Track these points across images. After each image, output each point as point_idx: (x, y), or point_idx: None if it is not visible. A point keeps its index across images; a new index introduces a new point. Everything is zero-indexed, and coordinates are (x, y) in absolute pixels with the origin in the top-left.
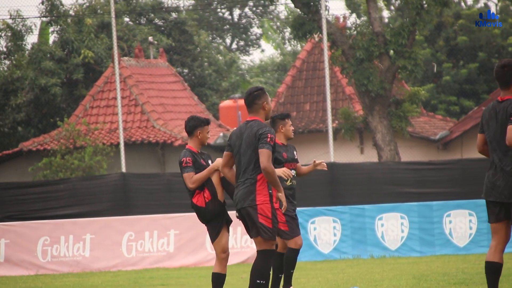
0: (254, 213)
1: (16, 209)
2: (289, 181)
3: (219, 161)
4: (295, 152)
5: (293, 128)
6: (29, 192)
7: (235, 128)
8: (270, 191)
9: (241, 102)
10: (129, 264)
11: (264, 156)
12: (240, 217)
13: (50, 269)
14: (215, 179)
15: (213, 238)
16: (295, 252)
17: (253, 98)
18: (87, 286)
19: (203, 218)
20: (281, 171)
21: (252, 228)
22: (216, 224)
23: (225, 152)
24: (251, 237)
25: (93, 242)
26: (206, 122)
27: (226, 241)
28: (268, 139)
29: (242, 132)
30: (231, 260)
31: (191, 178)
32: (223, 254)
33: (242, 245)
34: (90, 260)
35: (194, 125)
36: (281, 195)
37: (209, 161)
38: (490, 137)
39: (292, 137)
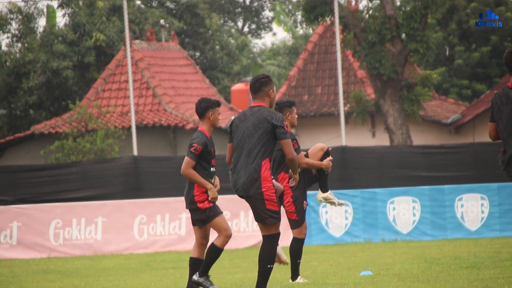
0: (261, 201)
1: (28, 192)
2: (299, 169)
3: (217, 187)
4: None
5: (297, 116)
6: (41, 175)
7: (233, 117)
8: (273, 177)
9: None
10: (141, 247)
11: (288, 146)
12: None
13: (62, 252)
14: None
15: (194, 223)
16: (301, 242)
17: (260, 85)
18: (98, 269)
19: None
20: (325, 163)
21: (259, 215)
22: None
23: (228, 144)
24: (257, 221)
25: (104, 225)
26: (217, 103)
27: (209, 228)
28: (286, 128)
29: (247, 116)
30: (243, 244)
31: (189, 167)
32: (203, 240)
33: (253, 229)
34: (102, 243)
35: (205, 107)
36: (296, 176)
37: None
38: (504, 123)
39: (296, 124)
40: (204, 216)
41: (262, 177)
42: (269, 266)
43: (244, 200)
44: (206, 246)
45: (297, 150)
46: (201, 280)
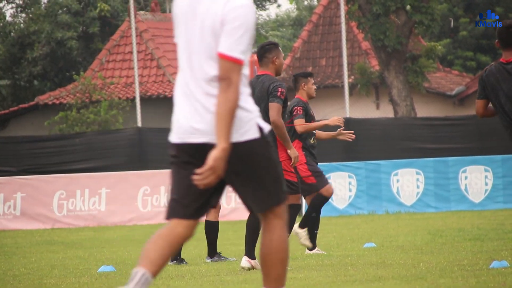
0: None
1: (32, 162)
2: (312, 139)
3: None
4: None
5: (315, 87)
6: (45, 146)
7: None
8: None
9: None
10: (145, 219)
11: (273, 109)
12: None
13: (66, 223)
14: None
15: None
16: (325, 199)
17: (264, 52)
18: (102, 240)
19: None
20: (335, 119)
21: None
22: None
23: None
24: None
25: (108, 196)
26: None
27: None
28: (279, 93)
29: (253, 87)
30: (247, 215)
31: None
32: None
33: None
34: (106, 214)
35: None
36: (290, 151)
37: None
38: (506, 96)
39: (314, 96)
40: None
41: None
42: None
43: None
44: (219, 210)
45: (297, 116)
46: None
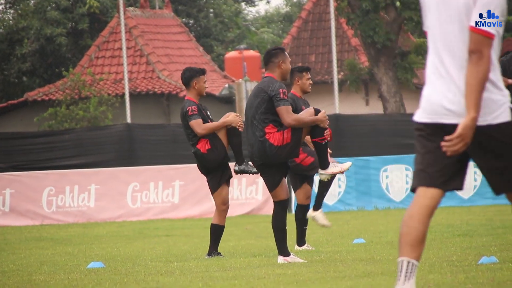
0: (271, 167)
1: (21, 159)
2: None
3: (231, 115)
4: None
5: (311, 83)
6: (35, 142)
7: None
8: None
9: (247, 53)
10: (134, 215)
11: (283, 113)
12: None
13: (55, 219)
14: (221, 133)
15: (214, 189)
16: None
17: (270, 56)
18: (92, 236)
19: (203, 166)
20: (321, 116)
21: (269, 181)
22: (217, 175)
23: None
24: (269, 190)
25: (98, 193)
26: (202, 72)
27: (227, 193)
28: (281, 95)
29: (254, 89)
30: (236, 211)
31: (201, 125)
32: (223, 206)
33: (247, 196)
34: (95, 211)
35: (189, 76)
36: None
37: (208, 113)
38: None
39: (308, 91)
40: (211, 184)
41: (269, 143)
42: (281, 229)
43: None
44: (226, 212)
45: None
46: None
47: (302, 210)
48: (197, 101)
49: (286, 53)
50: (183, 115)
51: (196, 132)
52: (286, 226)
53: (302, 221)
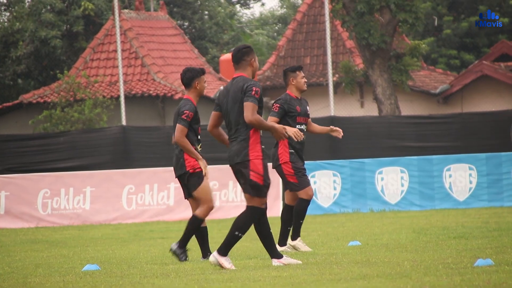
0: (246, 169)
1: (17, 161)
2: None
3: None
4: (307, 107)
5: (305, 81)
6: (30, 145)
7: (222, 87)
8: (263, 147)
9: None
10: (129, 217)
11: (247, 109)
12: (234, 173)
13: (50, 222)
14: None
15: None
16: (306, 202)
17: (242, 55)
18: (87, 239)
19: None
20: (292, 132)
21: (243, 184)
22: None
23: (213, 112)
24: (243, 192)
25: (93, 195)
26: (202, 72)
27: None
28: (253, 92)
29: (228, 90)
30: (231, 214)
31: (183, 134)
32: (211, 203)
33: (242, 199)
34: (90, 213)
35: (191, 77)
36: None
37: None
38: None
39: (304, 89)
40: (193, 181)
41: (250, 146)
42: (236, 233)
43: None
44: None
45: (271, 113)
46: (178, 252)
47: (289, 210)
48: (196, 102)
49: (253, 50)
50: (178, 112)
51: (175, 135)
52: (271, 229)
53: (287, 222)
